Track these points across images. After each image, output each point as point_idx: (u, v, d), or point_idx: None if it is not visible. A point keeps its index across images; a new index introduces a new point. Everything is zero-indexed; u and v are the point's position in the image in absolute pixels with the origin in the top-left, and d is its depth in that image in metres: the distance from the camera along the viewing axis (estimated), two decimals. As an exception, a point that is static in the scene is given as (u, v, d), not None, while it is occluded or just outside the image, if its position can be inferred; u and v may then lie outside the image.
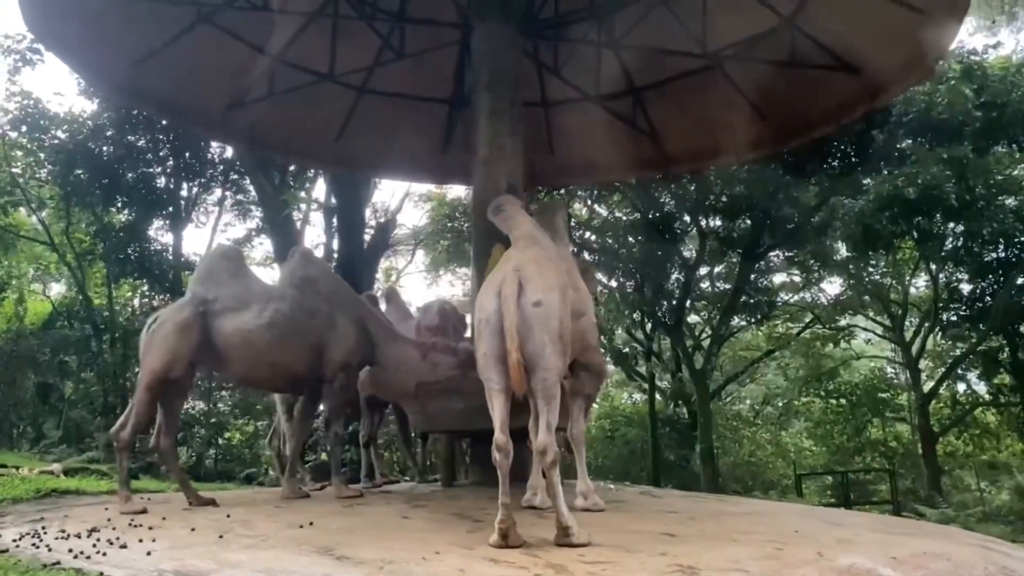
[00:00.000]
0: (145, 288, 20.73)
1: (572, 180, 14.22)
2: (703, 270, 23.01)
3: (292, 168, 18.29)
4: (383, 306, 8.81)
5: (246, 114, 9.67)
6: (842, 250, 21.71)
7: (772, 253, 21.02)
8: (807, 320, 25.85)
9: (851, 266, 21.94)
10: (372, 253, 17.97)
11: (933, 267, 20.96)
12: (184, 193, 19.37)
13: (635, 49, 9.29)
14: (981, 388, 24.43)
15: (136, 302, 21.98)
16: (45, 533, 5.03)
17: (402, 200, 23.72)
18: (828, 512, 8.30)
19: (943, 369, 23.88)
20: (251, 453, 20.72)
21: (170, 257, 19.23)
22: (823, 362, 27.29)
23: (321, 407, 7.44)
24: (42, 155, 18.22)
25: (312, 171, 19.55)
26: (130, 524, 5.34)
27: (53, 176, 18.24)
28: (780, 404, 30.75)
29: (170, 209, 18.95)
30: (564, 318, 4.83)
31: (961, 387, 24.93)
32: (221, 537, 4.91)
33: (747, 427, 29.09)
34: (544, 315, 4.70)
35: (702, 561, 4.26)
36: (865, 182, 16.93)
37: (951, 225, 18.47)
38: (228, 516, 5.62)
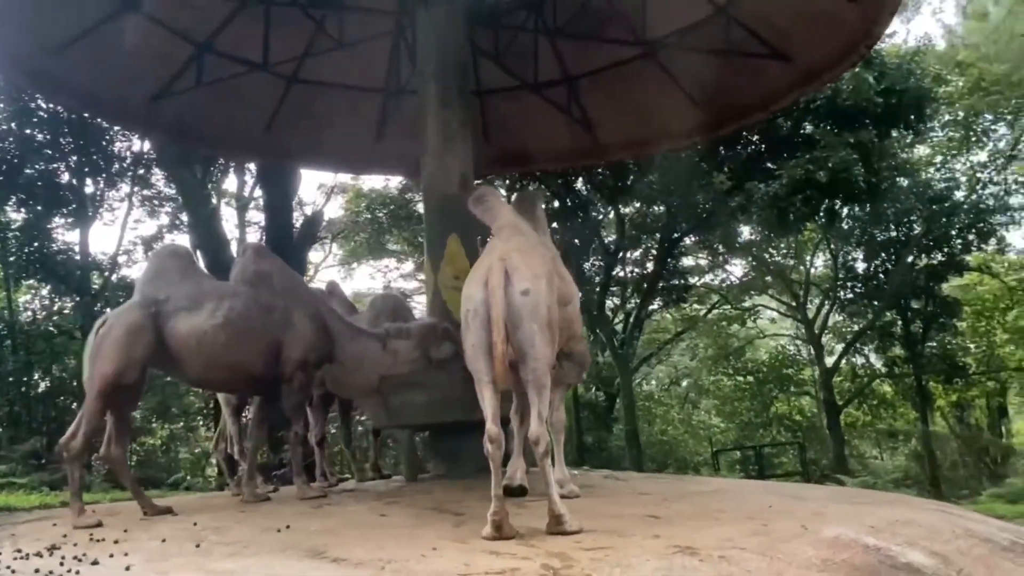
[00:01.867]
0: (46, 291, 19.56)
1: (505, 169, 14.11)
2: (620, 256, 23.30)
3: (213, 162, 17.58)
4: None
5: (172, 106, 9.21)
6: (746, 233, 22.44)
7: (686, 238, 21.46)
8: (714, 301, 26.64)
9: (754, 248, 22.72)
10: (300, 246, 17.47)
11: (833, 247, 21.89)
12: (89, 189, 18.34)
13: (571, 37, 9.26)
14: (878, 361, 25.71)
15: (36, 304, 20.71)
16: (0, 553, 4.65)
17: (329, 193, 23.33)
18: (784, 487, 8.54)
19: (843, 344, 24.97)
20: (168, 458, 19.94)
21: (76, 257, 18.17)
22: (730, 341, 28.30)
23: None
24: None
25: (224, 164, 18.86)
26: (91, 539, 4.99)
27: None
28: (686, 384, 31.63)
29: (73, 206, 17.89)
30: (552, 306, 4.78)
31: (860, 360, 26.22)
32: (198, 547, 4.65)
33: (658, 407, 29.76)
34: (533, 304, 4.64)
35: (697, 541, 4.27)
36: (771, 167, 17.42)
37: (851, 207, 19.23)
38: (195, 524, 5.33)
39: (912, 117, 17.72)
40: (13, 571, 4.25)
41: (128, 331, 5.94)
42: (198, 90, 9.01)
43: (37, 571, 4.15)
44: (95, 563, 4.29)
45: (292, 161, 13.22)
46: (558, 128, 10.25)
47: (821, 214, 18.75)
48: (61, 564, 4.26)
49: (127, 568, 4.13)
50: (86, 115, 15.75)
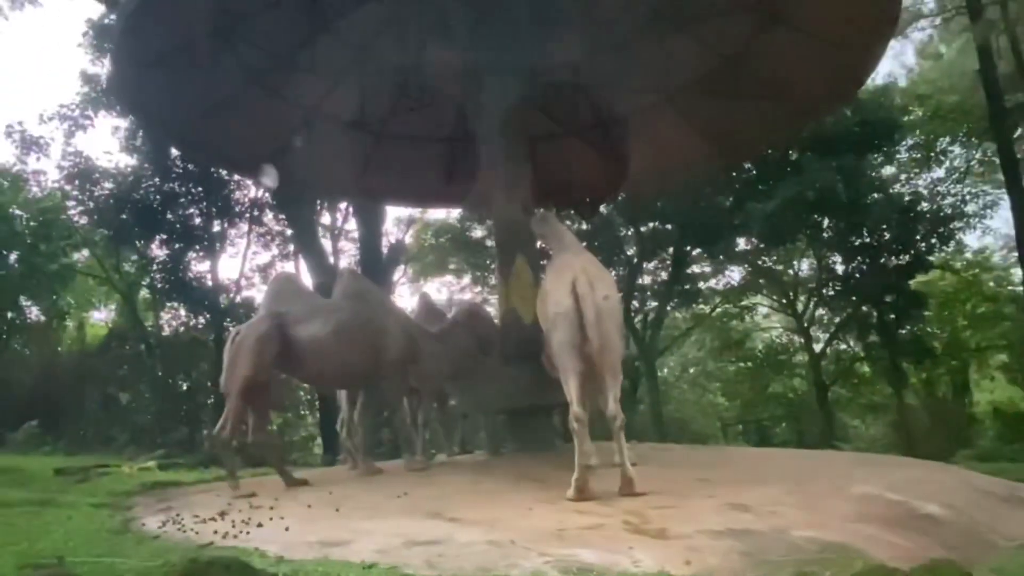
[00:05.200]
0: (183, 310, 19.84)
1: (547, 201, 13.53)
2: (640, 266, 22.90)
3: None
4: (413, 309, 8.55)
5: (286, 158, 9.30)
6: (743, 244, 21.95)
7: (695, 250, 20.98)
8: (718, 301, 26.12)
9: (751, 256, 22.30)
10: (387, 269, 17.95)
11: (817, 253, 21.19)
12: (216, 228, 18.61)
13: (606, 89, 9.12)
14: (857, 347, 24.97)
15: (175, 321, 21.01)
16: (182, 519, 4.71)
17: (408, 224, 23.19)
18: (807, 453, 8.28)
19: (827, 334, 24.37)
20: (282, 441, 19.87)
21: (208, 282, 18.49)
22: (731, 334, 27.46)
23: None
24: (91, 204, 17.33)
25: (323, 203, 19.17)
26: (251, 506, 5.06)
27: (101, 221, 17.34)
28: (695, 371, 31.24)
29: (204, 243, 18.18)
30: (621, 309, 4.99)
31: (842, 347, 25.52)
32: (338, 511, 4.69)
33: (673, 390, 29.45)
34: (612, 307, 4.75)
35: (747, 499, 4.20)
36: (765, 189, 16.94)
37: (833, 220, 18.63)
38: (331, 493, 5.36)
39: (883, 142, 17.29)
40: (197, 532, 4.33)
41: (260, 339, 6.04)
42: (306, 145, 9.11)
43: (216, 532, 4.23)
44: (260, 525, 4.34)
45: (379, 199, 13.53)
46: (591, 166, 10.04)
47: (808, 227, 18.29)
48: (233, 526, 4.34)
49: (287, 528, 4.18)
50: (215, 169, 16.13)
